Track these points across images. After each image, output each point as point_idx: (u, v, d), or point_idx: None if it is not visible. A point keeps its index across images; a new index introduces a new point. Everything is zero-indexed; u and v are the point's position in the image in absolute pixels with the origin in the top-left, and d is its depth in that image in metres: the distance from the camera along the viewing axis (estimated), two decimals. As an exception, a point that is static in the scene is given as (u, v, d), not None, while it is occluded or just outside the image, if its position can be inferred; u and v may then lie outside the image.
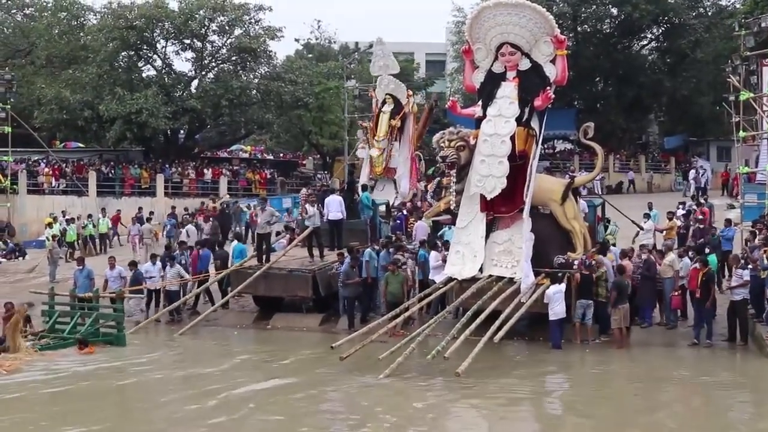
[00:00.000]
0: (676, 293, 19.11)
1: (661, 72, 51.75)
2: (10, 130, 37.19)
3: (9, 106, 37.49)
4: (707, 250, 20.64)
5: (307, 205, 23.90)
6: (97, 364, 17.66)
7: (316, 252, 22.72)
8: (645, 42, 55.06)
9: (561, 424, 14.13)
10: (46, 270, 27.44)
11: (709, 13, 52.72)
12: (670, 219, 24.38)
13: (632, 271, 19.42)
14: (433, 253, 20.80)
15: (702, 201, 30.06)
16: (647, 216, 24.80)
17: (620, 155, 50.84)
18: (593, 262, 19.10)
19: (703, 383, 16.32)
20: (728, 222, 24.22)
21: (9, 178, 37.92)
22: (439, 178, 27.90)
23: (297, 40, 63.59)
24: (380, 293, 20.84)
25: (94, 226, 32.57)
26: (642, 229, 24.09)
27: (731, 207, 33.17)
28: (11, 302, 19.61)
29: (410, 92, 28.45)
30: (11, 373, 16.56)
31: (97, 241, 32.64)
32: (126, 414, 14.67)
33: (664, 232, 24.12)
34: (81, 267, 22.29)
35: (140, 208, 33.72)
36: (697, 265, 18.67)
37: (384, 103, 27.56)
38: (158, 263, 22.36)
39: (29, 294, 22.32)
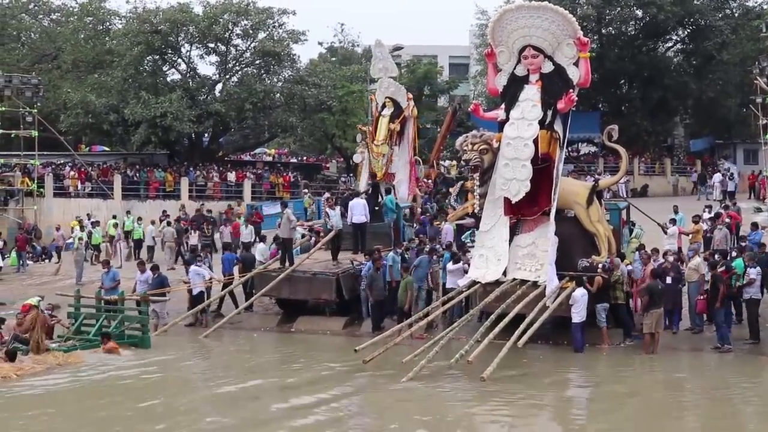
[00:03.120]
0: (701, 297, 18.93)
1: (687, 74, 51.26)
2: (36, 134, 37.73)
3: (36, 111, 37.96)
4: (734, 254, 20.43)
5: (327, 209, 23.90)
6: (125, 370, 17.50)
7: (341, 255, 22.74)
8: (670, 44, 54.60)
9: (584, 430, 14.04)
10: (72, 272, 27.64)
11: (736, 15, 52.19)
12: (696, 223, 24.10)
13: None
14: (450, 263, 20.68)
15: (729, 204, 29.71)
16: (673, 221, 24.47)
17: (645, 158, 50.46)
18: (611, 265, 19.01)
19: (720, 392, 16.07)
20: (755, 226, 23.96)
21: (36, 181, 38.31)
22: (462, 182, 27.68)
23: (320, 44, 63.90)
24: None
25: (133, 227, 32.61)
26: (666, 232, 23.83)
27: (758, 210, 32.86)
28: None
29: (410, 95, 27.36)
30: (22, 378, 16.36)
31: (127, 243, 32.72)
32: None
33: (690, 235, 23.86)
34: (107, 270, 22.45)
35: (164, 212, 33.93)
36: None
37: (384, 106, 26.44)
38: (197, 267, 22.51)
39: (56, 296, 22.49)
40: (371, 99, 27.86)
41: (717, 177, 43.71)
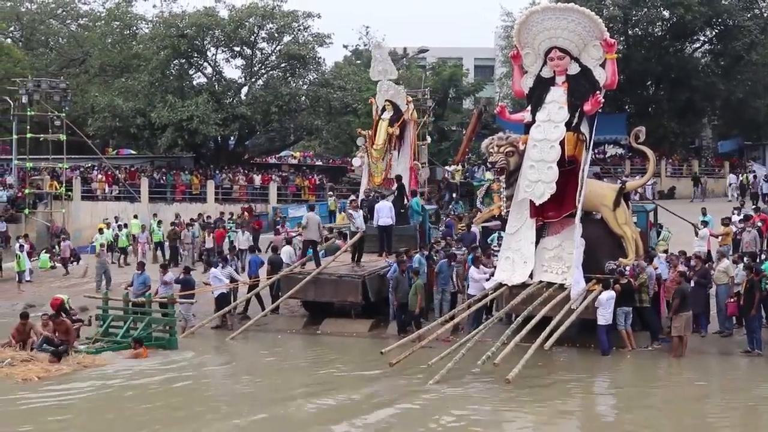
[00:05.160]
0: (732, 299, 18.68)
1: (715, 75, 50.67)
2: (65, 137, 38.03)
3: (64, 114, 38.31)
4: (763, 256, 20.17)
5: (350, 210, 23.86)
6: (153, 375, 17.41)
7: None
8: (698, 45, 53.97)
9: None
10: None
11: (765, 15, 51.60)
12: (726, 225, 23.83)
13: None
14: (473, 269, 20.51)
15: (759, 206, 29.36)
16: (705, 224, 24.18)
17: (672, 160, 50.02)
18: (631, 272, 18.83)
19: (751, 396, 15.81)
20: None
21: (64, 184, 38.66)
22: (488, 185, 27.54)
23: (345, 47, 63.77)
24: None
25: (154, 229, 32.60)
26: (697, 233, 23.51)
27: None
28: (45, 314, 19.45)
29: (410, 98, 26.91)
30: (43, 381, 16.27)
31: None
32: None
33: (720, 237, 23.59)
34: (140, 272, 22.58)
35: (199, 215, 34.13)
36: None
37: (383, 109, 26.00)
38: (228, 267, 22.65)
39: (83, 298, 22.65)
40: (371, 102, 27.35)
41: (732, 178, 43.05)
